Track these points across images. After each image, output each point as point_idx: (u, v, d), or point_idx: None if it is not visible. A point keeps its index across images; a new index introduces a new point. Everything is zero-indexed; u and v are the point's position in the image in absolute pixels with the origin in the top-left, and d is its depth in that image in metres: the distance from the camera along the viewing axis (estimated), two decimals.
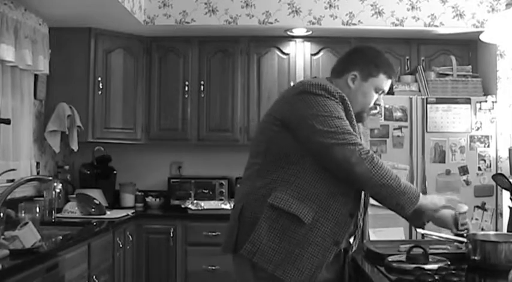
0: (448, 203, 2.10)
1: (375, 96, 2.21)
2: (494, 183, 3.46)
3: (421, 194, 2.03)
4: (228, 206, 4.28)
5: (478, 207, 3.85)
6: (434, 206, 2.07)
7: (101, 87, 4.31)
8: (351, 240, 2.18)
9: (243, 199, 2.11)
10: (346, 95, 2.13)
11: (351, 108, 2.10)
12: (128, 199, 4.55)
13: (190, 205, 4.34)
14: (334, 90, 2.07)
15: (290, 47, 4.54)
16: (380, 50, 2.28)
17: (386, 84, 2.21)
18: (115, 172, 4.60)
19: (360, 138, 2.21)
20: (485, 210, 3.85)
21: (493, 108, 3.91)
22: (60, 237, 2.94)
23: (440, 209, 2.09)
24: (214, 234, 4.14)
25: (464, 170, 3.87)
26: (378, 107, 2.27)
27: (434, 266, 1.96)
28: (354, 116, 2.11)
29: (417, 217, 2.11)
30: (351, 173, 1.99)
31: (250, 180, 2.14)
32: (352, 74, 2.18)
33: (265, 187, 2.06)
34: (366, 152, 1.98)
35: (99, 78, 4.30)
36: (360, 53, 2.26)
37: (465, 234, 2.16)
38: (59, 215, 3.80)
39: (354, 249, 2.24)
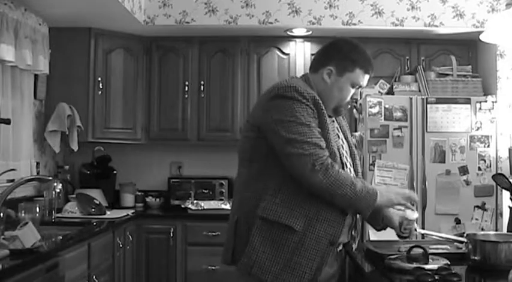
0: (404, 201, 2.07)
1: (352, 91, 2.17)
2: (494, 183, 3.45)
3: (379, 194, 2.00)
4: (228, 206, 4.27)
5: (478, 207, 3.85)
6: (389, 203, 2.06)
7: (101, 87, 4.31)
8: (353, 232, 2.15)
9: (237, 211, 2.11)
10: (322, 90, 2.11)
11: (324, 108, 2.05)
12: (128, 199, 4.55)
13: (190, 205, 4.34)
14: (304, 91, 2.02)
15: (290, 47, 4.53)
16: (357, 44, 2.19)
17: (363, 79, 2.16)
18: (115, 172, 4.60)
19: (344, 134, 2.21)
20: (485, 210, 3.84)
21: (493, 108, 3.90)
22: (60, 237, 2.94)
23: (394, 205, 2.08)
24: (214, 234, 4.14)
25: (464, 170, 3.87)
26: (353, 101, 2.25)
27: (434, 266, 1.97)
28: (326, 116, 2.06)
29: (376, 216, 2.11)
30: (306, 185, 1.98)
31: (240, 191, 2.13)
32: (327, 69, 2.13)
33: (253, 197, 2.05)
34: (320, 163, 1.95)
35: (99, 78, 4.30)
36: (335, 47, 2.18)
37: (408, 238, 2.17)
38: (59, 215, 3.80)
39: (357, 242, 2.20)
